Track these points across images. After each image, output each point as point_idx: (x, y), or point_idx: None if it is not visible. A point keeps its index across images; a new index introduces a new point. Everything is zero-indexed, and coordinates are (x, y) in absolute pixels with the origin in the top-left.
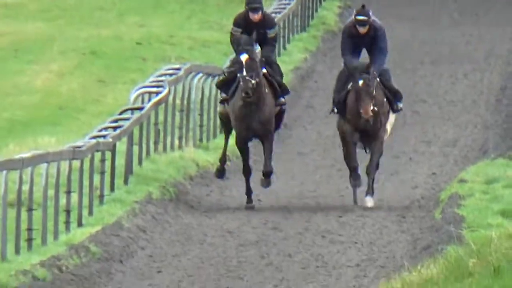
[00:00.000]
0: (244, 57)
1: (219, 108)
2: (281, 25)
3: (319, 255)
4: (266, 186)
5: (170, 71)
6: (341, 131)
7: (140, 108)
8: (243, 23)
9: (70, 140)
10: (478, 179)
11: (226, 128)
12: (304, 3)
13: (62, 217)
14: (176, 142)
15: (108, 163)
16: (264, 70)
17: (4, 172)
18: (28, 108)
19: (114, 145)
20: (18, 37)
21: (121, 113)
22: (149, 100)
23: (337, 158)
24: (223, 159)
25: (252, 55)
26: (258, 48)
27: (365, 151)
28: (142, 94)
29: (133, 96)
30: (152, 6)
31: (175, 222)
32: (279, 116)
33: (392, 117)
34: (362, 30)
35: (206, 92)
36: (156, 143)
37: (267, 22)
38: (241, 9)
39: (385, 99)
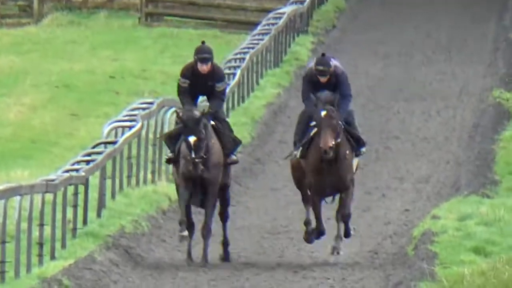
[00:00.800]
0: (192, 139)
1: (171, 170)
2: (254, 60)
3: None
4: (227, 258)
5: (143, 105)
6: (299, 177)
7: (113, 142)
8: (190, 75)
9: (43, 174)
10: (451, 215)
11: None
12: (277, 39)
13: (35, 250)
14: (149, 176)
15: (81, 197)
16: (212, 122)
17: None
18: (0, 141)
19: (87, 179)
20: None
21: (94, 147)
22: (122, 134)
23: None
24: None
25: (200, 135)
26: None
27: (332, 200)
28: (115, 128)
29: (106, 130)
30: (125, 40)
31: (148, 256)
32: (226, 178)
33: (355, 161)
34: (323, 79)
35: None
36: (129, 177)
37: (216, 74)
38: (215, 43)
39: (349, 145)
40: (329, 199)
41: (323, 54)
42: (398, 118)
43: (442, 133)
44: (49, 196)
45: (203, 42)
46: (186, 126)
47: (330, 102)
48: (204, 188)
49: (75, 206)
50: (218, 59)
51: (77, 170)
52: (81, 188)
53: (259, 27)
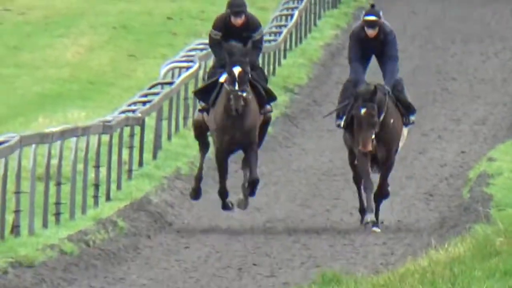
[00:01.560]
0: (237, 70)
1: (195, 116)
2: (312, 1)
3: (346, 232)
4: (244, 206)
5: (201, 46)
6: (349, 148)
7: (170, 83)
8: (224, 27)
9: (99, 115)
10: (507, 158)
11: (203, 141)
12: None
13: (90, 192)
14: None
15: (137, 138)
16: (250, 75)
17: (33, 146)
18: (58, 82)
19: (143, 120)
20: (48, 11)
21: (150, 88)
22: (179, 75)
23: None
24: (199, 177)
25: (245, 67)
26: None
27: (371, 170)
28: (173, 69)
29: (163, 71)
30: None
31: (204, 198)
32: (264, 125)
33: (404, 130)
34: (371, 32)
35: None
36: (185, 118)
37: (251, 25)
38: None
39: (398, 114)
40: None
41: (372, 5)
42: (456, 59)
43: (500, 74)
44: (105, 137)
45: None
46: (231, 55)
47: (370, 98)
48: (241, 146)
49: (131, 148)
50: (275, 0)
51: (133, 111)
52: (137, 129)
53: None
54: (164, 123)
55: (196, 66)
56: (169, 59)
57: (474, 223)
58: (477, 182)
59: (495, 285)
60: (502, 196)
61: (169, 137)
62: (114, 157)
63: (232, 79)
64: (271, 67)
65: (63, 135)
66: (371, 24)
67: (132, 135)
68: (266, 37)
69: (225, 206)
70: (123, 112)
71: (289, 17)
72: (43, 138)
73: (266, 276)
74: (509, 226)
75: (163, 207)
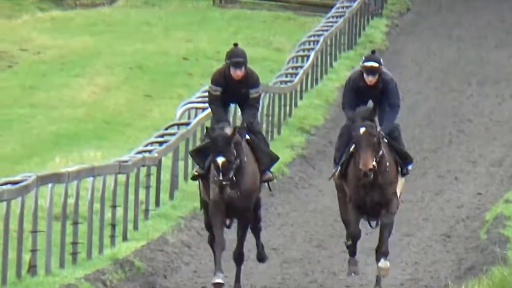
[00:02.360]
0: (220, 160)
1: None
2: (328, 42)
3: (363, 273)
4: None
5: None
6: (340, 202)
7: (187, 124)
8: (223, 81)
9: (115, 155)
10: None
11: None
12: (352, 21)
13: (107, 231)
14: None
15: (153, 178)
16: (247, 137)
17: (50, 185)
18: (73, 121)
19: (160, 160)
20: (65, 51)
21: (167, 128)
22: (196, 115)
23: None
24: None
25: (229, 157)
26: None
27: (370, 225)
28: (189, 109)
29: (179, 112)
30: (199, 22)
31: None
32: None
33: (400, 180)
34: (371, 79)
35: None
36: None
37: (250, 80)
38: (289, 25)
39: (393, 161)
40: (373, 223)
41: (373, 52)
42: (471, 101)
43: None
44: (121, 177)
45: (235, 45)
46: (215, 144)
47: (369, 118)
48: (235, 213)
49: (147, 188)
50: (291, 41)
51: (150, 151)
52: (153, 170)
53: (333, 10)
54: (181, 164)
55: None
56: (185, 99)
57: (491, 265)
58: (494, 223)
59: None
60: None
61: (185, 178)
62: (131, 197)
63: (216, 169)
64: (287, 108)
65: (80, 174)
66: (371, 71)
67: (148, 175)
68: (282, 78)
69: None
70: (140, 152)
71: (305, 58)
72: (59, 178)
73: None
74: None
75: (180, 247)
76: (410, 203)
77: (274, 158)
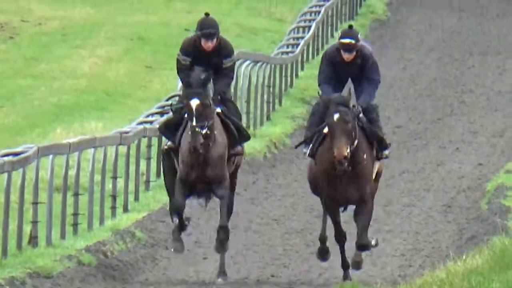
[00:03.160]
0: (194, 103)
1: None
2: (329, 13)
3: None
4: (222, 249)
5: None
6: (313, 181)
7: None
8: (192, 51)
9: (117, 126)
10: None
11: (172, 189)
12: None
13: (108, 203)
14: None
15: (154, 149)
16: (219, 109)
17: (51, 156)
18: (75, 92)
19: None
20: (66, 22)
21: (168, 99)
22: None
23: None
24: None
25: (204, 100)
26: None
27: (342, 210)
28: None
29: (180, 84)
30: None
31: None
32: (233, 173)
33: (377, 164)
34: (347, 56)
35: (254, 79)
36: None
37: (223, 50)
38: None
39: (369, 146)
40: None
41: (350, 27)
42: (473, 71)
43: None
44: (122, 148)
45: (206, 14)
46: (188, 87)
47: (344, 104)
48: (208, 185)
49: (148, 159)
50: (293, 12)
51: (151, 122)
52: (154, 141)
53: None
54: None
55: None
56: None
57: (492, 235)
58: (495, 194)
59: None
60: None
61: None
62: (132, 168)
63: (190, 113)
64: (289, 79)
65: (81, 146)
66: (347, 48)
67: (149, 146)
68: (284, 49)
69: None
70: (141, 123)
71: (306, 29)
72: (60, 149)
73: (285, 286)
74: None
75: None
76: (412, 174)
77: (246, 136)
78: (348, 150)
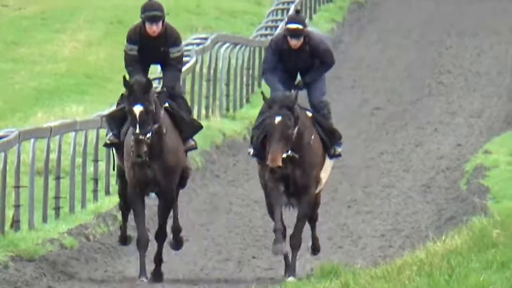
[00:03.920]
0: (138, 110)
1: (117, 160)
2: None
3: (344, 225)
4: (177, 247)
5: (197, 41)
6: (263, 180)
7: None
8: (138, 39)
9: (97, 109)
10: (503, 150)
11: (123, 183)
12: None
13: (89, 186)
14: (203, 111)
15: None
16: (167, 105)
17: (32, 140)
18: (55, 76)
19: None
20: (46, 6)
21: None
22: None
23: (362, 129)
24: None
25: (148, 106)
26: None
27: (289, 209)
28: None
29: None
30: None
31: (202, 192)
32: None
33: (328, 163)
34: (295, 42)
35: (233, 62)
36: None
37: (169, 37)
38: None
39: (319, 142)
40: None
41: (297, 11)
42: (451, 52)
43: (494, 67)
44: (103, 132)
45: None
46: (131, 92)
47: (288, 106)
48: (157, 188)
49: None
50: None
51: None
52: None
53: None
54: None
55: (193, 60)
56: None
57: (471, 215)
58: (474, 174)
59: (492, 277)
60: (498, 188)
61: None
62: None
63: (132, 120)
64: None
65: (62, 129)
66: (294, 34)
67: None
68: (262, 31)
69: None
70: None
71: (285, 12)
72: (41, 133)
73: (265, 268)
74: (506, 218)
75: None
76: (391, 155)
77: (197, 127)
78: (283, 156)
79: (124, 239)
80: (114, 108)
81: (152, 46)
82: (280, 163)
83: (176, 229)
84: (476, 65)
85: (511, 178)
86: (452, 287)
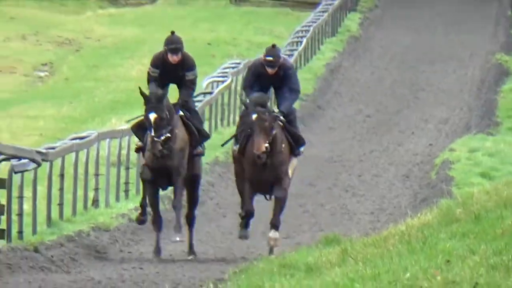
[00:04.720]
0: (152, 116)
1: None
2: (316, 31)
3: (344, 205)
4: (179, 230)
5: (233, 65)
6: (237, 175)
7: (210, 93)
8: (160, 64)
9: None
10: (464, 148)
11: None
12: (334, 15)
13: None
14: (237, 118)
15: None
16: (181, 113)
17: (108, 139)
18: (126, 91)
19: None
20: (119, 39)
21: (195, 97)
22: (217, 86)
23: (357, 132)
24: (144, 204)
25: (161, 113)
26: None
27: (266, 198)
28: (212, 82)
29: (205, 84)
30: (219, 16)
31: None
32: (196, 169)
33: (294, 160)
34: (270, 70)
35: None
36: (222, 119)
37: (186, 64)
38: (289, 19)
39: (287, 144)
40: (268, 197)
41: (273, 46)
42: (424, 75)
43: (457, 86)
44: None
45: (172, 33)
46: (148, 102)
47: (261, 104)
48: (169, 177)
49: None
50: (288, 31)
51: None
52: None
53: (320, 6)
54: (206, 123)
55: (229, 80)
56: (209, 75)
57: (440, 198)
58: (442, 166)
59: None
60: (460, 178)
61: (210, 133)
62: None
63: (149, 125)
64: None
65: (130, 132)
66: (270, 64)
67: None
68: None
69: (158, 249)
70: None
71: (299, 43)
72: (115, 134)
73: (283, 237)
74: (466, 199)
75: (206, 185)
76: (378, 152)
77: (205, 136)
78: (266, 145)
79: (143, 221)
80: (137, 119)
81: (171, 70)
82: (263, 149)
83: (175, 206)
84: (443, 84)
85: (469, 170)
86: (425, 251)
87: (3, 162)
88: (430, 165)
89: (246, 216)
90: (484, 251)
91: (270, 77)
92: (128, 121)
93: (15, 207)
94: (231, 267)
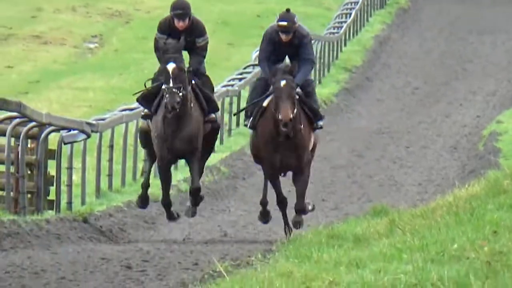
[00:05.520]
0: (171, 67)
1: (141, 123)
2: (366, 3)
3: (391, 176)
4: (192, 214)
5: None
6: (255, 151)
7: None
8: (168, 30)
9: None
10: (511, 120)
11: (149, 149)
12: None
13: None
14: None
15: (234, 105)
16: (193, 82)
17: None
18: None
19: (239, 92)
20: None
21: (245, 68)
22: None
23: (406, 104)
24: (147, 184)
25: (180, 64)
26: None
27: (282, 175)
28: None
29: (254, 55)
30: None
31: None
32: (212, 134)
33: (314, 135)
34: (285, 37)
35: None
36: None
37: (195, 29)
38: None
39: (306, 117)
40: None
41: (287, 10)
42: (472, 46)
43: (506, 58)
44: None
45: None
46: (166, 52)
47: (290, 72)
48: (182, 149)
49: (230, 113)
50: (337, 2)
51: (232, 85)
52: (235, 99)
53: None
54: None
55: None
56: (258, 46)
57: (487, 169)
58: (489, 138)
59: (503, 215)
60: (508, 149)
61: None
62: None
63: (166, 76)
64: (335, 52)
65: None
66: (284, 30)
67: (231, 104)
68: (331, 30)
69: (170, 217)
70: (224, 86)
71: (348, 15)
72: None
73: (332, 209)
74: None
75: None
76: (426, 124)
77: (215, 108)
78: (293, 114)
79: (145, 199)
80: (144, 88)
81: (179, 37)
82: (291, 116)
83: (194, 189)
84: (491, 56)
85: None
86: (473, 223)
87: (53, 133)
88: (477, 136)
89: (263, 207)
90: None
91: (285, 46)
92: (134, 95)
93: (64, 178)
94: (279, 238)
